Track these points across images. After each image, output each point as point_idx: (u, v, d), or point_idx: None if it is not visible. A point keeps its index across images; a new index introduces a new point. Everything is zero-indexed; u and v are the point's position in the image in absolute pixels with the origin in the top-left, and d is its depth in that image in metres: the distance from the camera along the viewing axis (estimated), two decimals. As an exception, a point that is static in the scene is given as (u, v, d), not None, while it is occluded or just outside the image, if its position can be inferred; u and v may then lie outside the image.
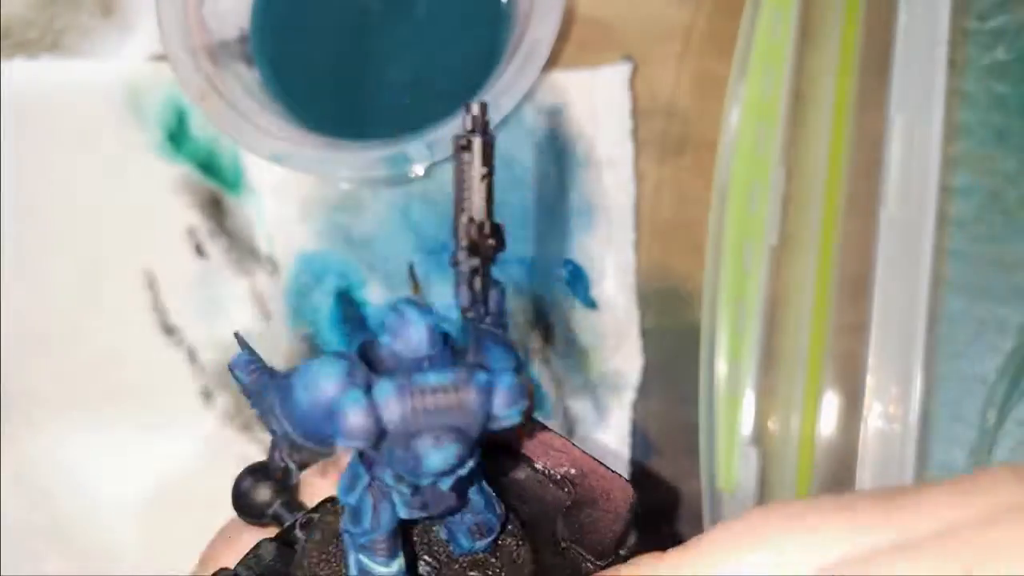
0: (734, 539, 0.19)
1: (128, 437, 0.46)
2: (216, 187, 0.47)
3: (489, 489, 0.23)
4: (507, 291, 0.22)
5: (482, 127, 0.20)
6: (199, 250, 0.47)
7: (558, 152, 0.46)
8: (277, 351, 0.46)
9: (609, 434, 0.45)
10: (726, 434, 0.40)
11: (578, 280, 0.46)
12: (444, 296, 0.46)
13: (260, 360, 0.22)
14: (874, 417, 0.39)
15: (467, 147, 0.20)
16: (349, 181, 0.46)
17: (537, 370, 0.45)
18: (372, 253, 0.46)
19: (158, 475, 0.46)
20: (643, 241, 0.46)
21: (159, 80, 0.47)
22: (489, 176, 0.20)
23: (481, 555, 0.24)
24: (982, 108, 0.42)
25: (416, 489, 0.21)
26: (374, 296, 0.46)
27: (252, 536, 0.27)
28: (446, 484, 0.20)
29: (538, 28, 0.41)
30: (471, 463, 0.20)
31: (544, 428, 0.27)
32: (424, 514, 0.21)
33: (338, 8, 0.47)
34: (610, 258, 0.45)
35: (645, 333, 0.45)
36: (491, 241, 0.21)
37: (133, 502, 0.45)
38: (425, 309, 0.20)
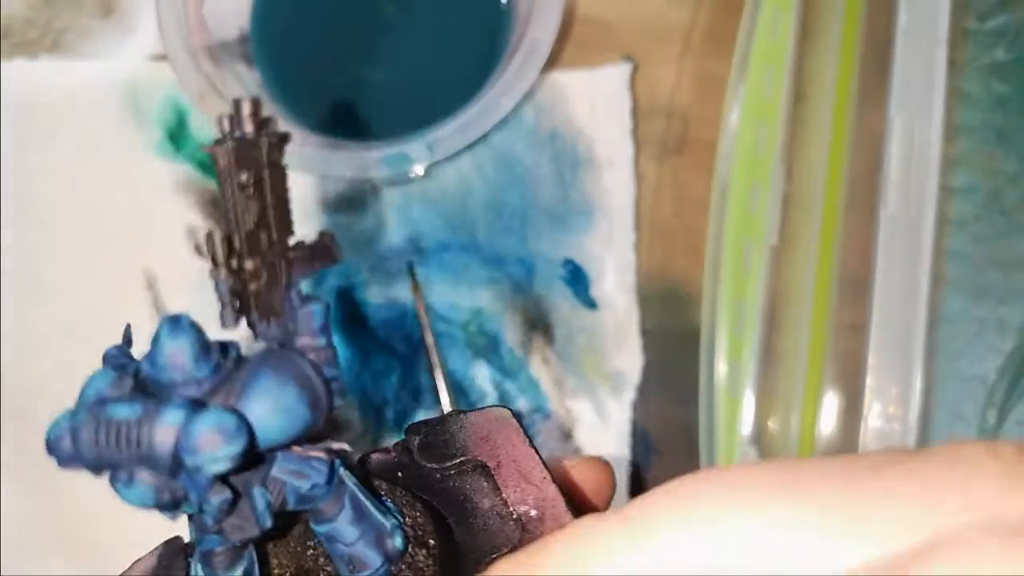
0: (667, 511, 0.18)
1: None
2: (216, 187, 0.47)
3: (380, 521, 0.21)
4: (329, 309, 0.20)
5: (254, 128, 0.18)
6: (199, 250, 0.47)
7: (558, 152, 0.46)
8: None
9: (609, 434, 0.45)
10: (726, 434, 0.40)
11: (578, 280, 0.46)
12: (444, 296, 0.46)
13: (129, 357, 0.20)
14: (874, 417, 0.39)
15: (215, 154, 0.18)
16: (349, 181, 0.46)
17: (537, 370, 0.45)
18: (372, 253, 0.46)
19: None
20: (643, 241, 0.46)
21: (159, 80, 0.47)
22: (252, 184, 0.18)
23: None
24: (982, 108, 0.42)
25: (190, 517, 0.19)
26: (374, 296, 0.46)
27: None
28: (209, 518, 0.18)
29: (538, 28, 0.41)
30: (214, 499, 0.18)
31: (533, 453, 0.25)
32: (230, 541, 0.19)
33: (338, 9, 0.47)
34: (610, 258, 0.45)
35: (645, 333, 0.45)
36: (259, 260, 0.18)
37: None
38: (186, 329, 0.18)
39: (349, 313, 0.46)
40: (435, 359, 0.45)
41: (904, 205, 0.40)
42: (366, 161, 0.42)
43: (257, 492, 0.18)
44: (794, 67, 0.42)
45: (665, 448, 0.45)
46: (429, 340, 0.45)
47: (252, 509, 0.18)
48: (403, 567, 0.22)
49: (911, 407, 0.39)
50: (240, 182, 0.18)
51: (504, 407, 0.26)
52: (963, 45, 0.42)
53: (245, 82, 0.45)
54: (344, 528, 0.20)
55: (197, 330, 0.18)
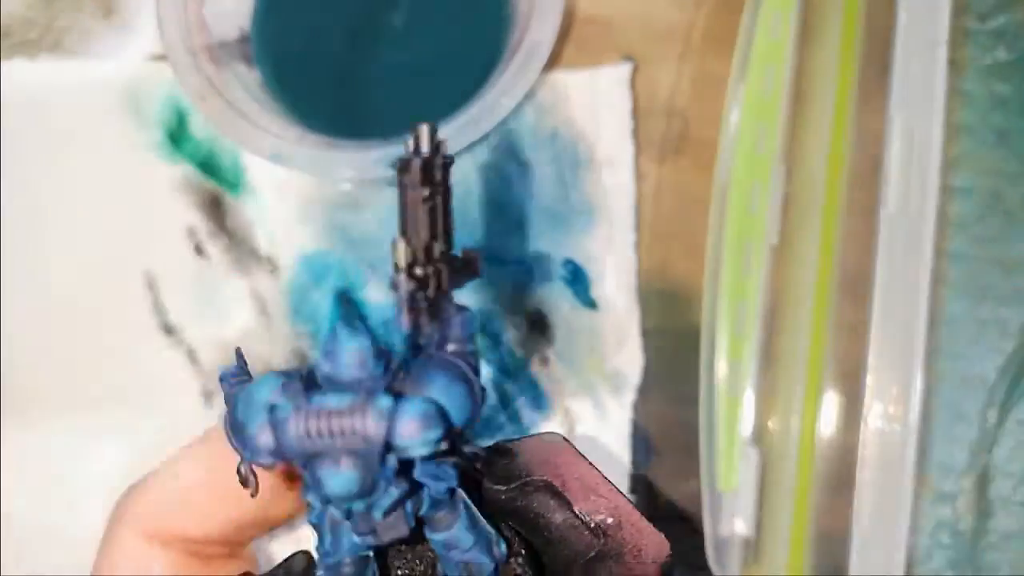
0: None
1: (128, 437, 0.46)
2: (216, 187, 0.47)
3: (488, 529, 0.22)
4: (476, 319, 0.21)
5: (431, 149, 0.20)
6: (199, 250, 0.47)
7: (558, 152, 0.46)
8: (277, 351, 0.46)
9: (609, 434, 0.45)
10: (726, 434, 0.40)
11: (578, 280, 0.46)
12: (444, 296, 0.46)
13: (248, 375, 0.22)
14: (874, 417, 0.39)
15: (405, 169, 0.20)
16: (349, 181, 0.46)
17: (537, 370, 0.45)
18: (372, 253, 0.46)
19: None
20: (643, 241, 0.46)
21: (159, 80, 0.47)
22: (432, 199, 0.20)
23: None
24: (982, 108, 0.42)
25: (349, 513, 0.20)
26: (374, 296, 0.46)
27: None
28: (379, 512, 0.20)
29: (538, 28, 0.41)
30: (394, 490, 0.19)
31: (594, 469, 0.26)
32: (376, 542, 0.21)
33: (338, 8, 0.47)
34: (610, 258, 0.45)
35: (645, 333, 0.45)
36: (431, 268, 0.20)
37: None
38: (362, 331, 0.19)
39: (349, 313, 0.46)
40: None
41: (904, 205, 0.40)
42: (366, 161, 0.42)
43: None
44: (794, 67, 0.42)
45: (665, 448, 0.45)
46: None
47: (403, 511, 0.20)
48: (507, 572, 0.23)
49: (911, 407, 0.39)
50: (423, 196, 0.20)
51: (555, 433, 0.27)
52: (963, 45, 0.42)
53: (245, 82, 0.45)
54: (462, 535, 0.22)
55: (372, 333, 0.19)
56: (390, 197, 0.46)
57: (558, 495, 0.25)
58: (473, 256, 0.21)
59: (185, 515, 0.29)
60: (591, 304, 0.45)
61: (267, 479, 0.27)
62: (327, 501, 0.19)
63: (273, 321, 0.46)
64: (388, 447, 0.18)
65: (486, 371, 0.45)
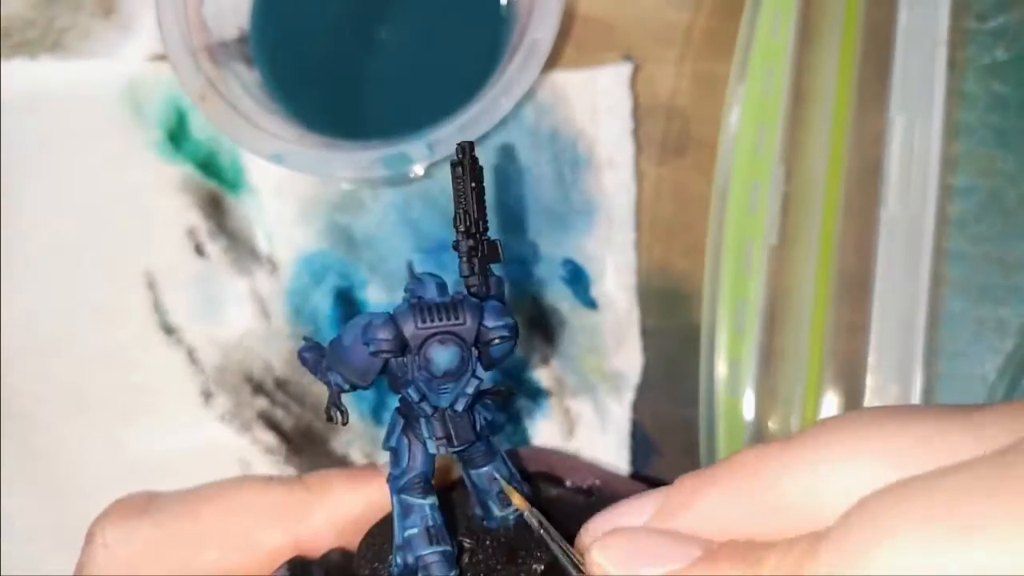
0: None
1: (128, 437, 0.46)
2: (216, 187, 0.47)
3: (514, 471, 0.28)
4: (506, 286, 0.28)
5: (469, 156, 0.27)
6: (199, 250, 0.47)
7: (558, 152, 0.46)
8: (277, 351, 0.46)
9: (609, 434, 0.45)
10: (726, 434, 0.40)
11: (578, 280, 0.46)
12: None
13: (319, 343, 0.28)
14: (874, 417, 0.39)
15: (459, 164, 0.27)
16: (349, 181, 0.46)
17: (537, 370, 0.46)
18: (372, 253, 0.46)
19: (157, 475, 0.46)
20: (643, 241, 0.46)
21: (159, 80, 0.47)
22: (478, 188, 0.27)
23: (511, 530, 0.28)
24: (982, 108, 0.42)
25: (435, 410, 0.26)
26: (374, 296, 0.46)
27: None
28: (461, 404, 0.26)
29: (538, 28, 0.41)
30: (475, 382, 0.26)
31: (577, 459, 0.33)
32: (450, 449, 0.26)
33: (338, 8, 0.47)
34: (610, 258, 0.45)
35: (645, 333, 0.45)
36: (480, 229, 0.27)
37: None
38: (436, 275, 0.26)
39: (349, 313, 0.46)
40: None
41: (904, 205, 0.40)
42: (366, 161, 0.42)
43: (477, 408, 0.27)
44: (794, 67, 0.42)
45: (665, 448, 0.45)
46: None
47: (472, 420, 0.27)
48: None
49: (911, 407, 0.39)
50: (472, 186, 0.27)
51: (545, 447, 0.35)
52: (963, 45, 0.42)
53: (245, 82, 0.45)
54: (499, 467, 0.28)
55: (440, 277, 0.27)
56: (390, 197, 0.46)
57: (550, 479, 0.30)
58: (495, 243, 0.27)
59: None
60: (591, 304, 0.45)
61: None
62: (430, 380, 0.25)
63: (273, 321, 0.46)
64: (477, 335, 0.25)
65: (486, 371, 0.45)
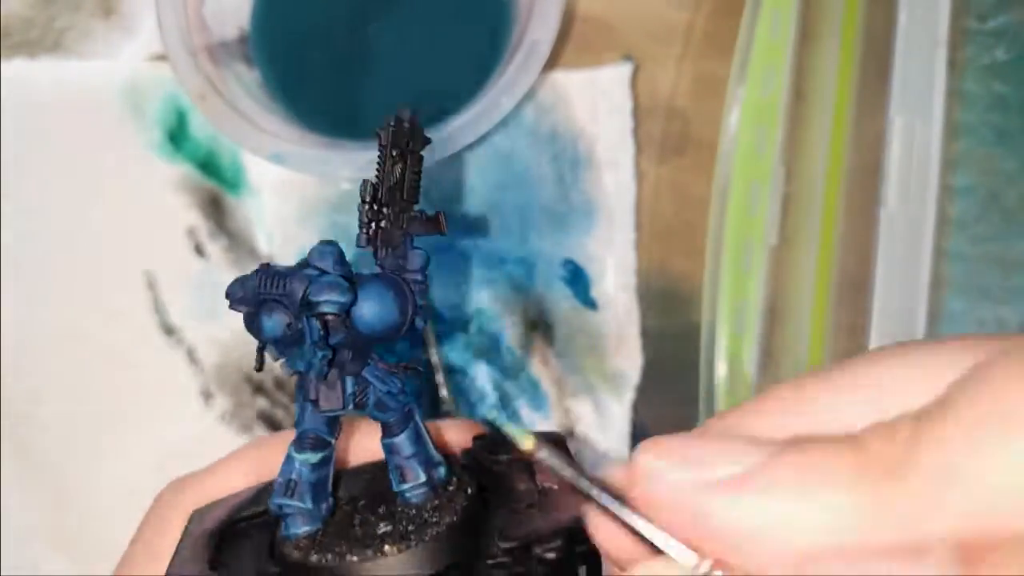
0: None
1: (128, 437, 0.46)
2: (216, 187, 0.47)
3: (433, 452, 0.28)
4: (429, 257, 0.28)
5: (408, 126, 0.27)
6: (199, 250, 0.47)
7: (558, 152, 0.46)
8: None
9: (609, 434, 0.45)
10: (726, 434, 0.40)
11: (578, 280, 0.46)
12: (445, 296, 0.46)
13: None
14: (874, 417, 0.39)
15: (384, 131, 0.27)
16: (349, 181, 0.46)
17: (537, 370, 0.45)
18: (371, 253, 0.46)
19: (157, 475, 0.46)
20: (643, 241, 0.46)
21: (159, 80, 0.47)
22: (400, 160, 0.27)
23: (424, 507, 0.28)
24: (982, 108, 0.42)
25: (300, 375, 0.27)
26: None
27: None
28: (314, 372, 0.26)
29: (538, 28, 0.41)
30: (320, 353, 0.26)
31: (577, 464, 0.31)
32: (319, 411, 0.27)
33: (338, 8, 0.47)
34: (610, 258, 0.45)
35: (645, 333, 0.45)
36: (388, 208, 0.27)
37: (132, 502, 0.45)
38: (335, 247, 0.27)
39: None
40: (435, 359, 0.45)
41: (904, 205, 0.40)
42: (366, 161, 0.42)
43: (348, 380, 0.27)
44: (794, 67, 0.42)
45: (665, 448, 0.45)
46: (429, 340, 0.45)
47: (342, 390, 0.27)
48: (444, 500, 0.28)
49: (911, 407, 0.39)
50: (392, 154, 0.27)
51: (556, 432, 0.32)
52: (963, 45, 0.42)
53: (245, 82, 0.45)
54: (403, 443, 0.28)
55: (340, 249, 0.27)
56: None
57: (532, 473, 0.30)
58: (437, 214, 0.28)
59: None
60: (591, 304, 0.45)
61: None
62: (263, 346, 0.26)
63: (273, 321, 0.46)
64: (309, 306, 0.25)
65: (486, 371, 0.45)
